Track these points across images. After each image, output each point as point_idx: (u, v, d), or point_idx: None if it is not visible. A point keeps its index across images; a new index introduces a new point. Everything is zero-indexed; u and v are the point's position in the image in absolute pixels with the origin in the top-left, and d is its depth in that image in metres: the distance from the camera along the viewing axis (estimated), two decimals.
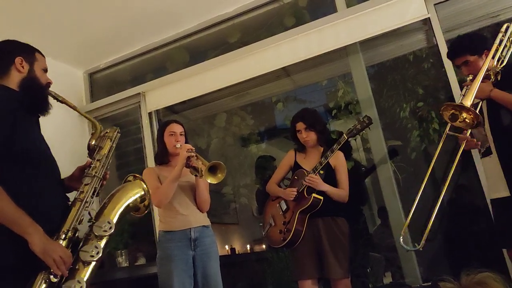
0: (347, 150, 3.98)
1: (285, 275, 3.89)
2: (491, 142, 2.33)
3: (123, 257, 3.85)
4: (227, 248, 5.38)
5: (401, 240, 2.52)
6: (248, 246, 5.70)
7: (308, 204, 2.70)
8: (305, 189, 2.77)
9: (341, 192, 2.79)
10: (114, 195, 1.81)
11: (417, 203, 2.57)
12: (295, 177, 2.89)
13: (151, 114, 4.16)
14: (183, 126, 2.87)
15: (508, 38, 2.38)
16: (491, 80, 2.29)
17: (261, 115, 5.45)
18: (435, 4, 3.20)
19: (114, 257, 3.84)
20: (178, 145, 2.74)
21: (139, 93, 4.17)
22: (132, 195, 1.85)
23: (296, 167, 2.94)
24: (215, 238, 2.79)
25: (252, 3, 3.86)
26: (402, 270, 3.28)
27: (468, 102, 2.09)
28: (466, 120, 2.12)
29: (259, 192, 4.78)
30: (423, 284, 3.07)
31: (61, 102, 1.88)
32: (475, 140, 2.41)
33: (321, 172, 2.76)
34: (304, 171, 2.83)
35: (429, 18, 3.20)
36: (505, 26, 2.39)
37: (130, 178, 1.93)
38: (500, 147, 2.29)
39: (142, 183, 1.89)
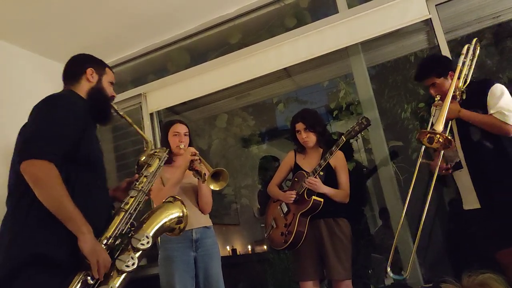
0: (348, 151, 3.98)
1: (286, 276, 3.89)
2: (462, 157, 2.46)
3: None
4: (228, 249, 5.39)
5: (388, 269, 2.58)
6: (249, 247, 5.70)
7: (308, 206, 2.70)
8: (305, 192, 2.76)
9: (342, 193, 2.78)
10: (154, 212, 1.87)
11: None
12: (295, 179, 2.88)
13: (152, 115, 4.16)
14: (187, 126, 2.88)
15: (470, 58, 2.54)
16: (457, 100, 2.43)
17: (262, 116, 5.45)
18: (436, 5, 3.19)
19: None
20: (182, 146, 2.75)
21: (140, 94, 4.17)
22: (171, 214, 1.90)
23: (296, 168, 2.93)
24: (216, 239, 2.79)
25: (253, 4, 3.85)
26: (404, 271, 3.27)
27: (440, 127, 2.24)
28: (440, 140, 2.26)
29: (260, 193, 4.78)
30: (424, 286, 3.06)
31: (121, 116, 2.05)
32: (444, 164, 2.55)
33: (321, 173, 2.75)
34: (304, 172, 2.82)
35: (430, 19, 3.19)
36: (465, 47, 2.57)
37: (170, 199, 1.98)
38: (470, 162, 2.43)
39: (182, 206, 1.93)
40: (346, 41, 3.44)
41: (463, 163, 2.45)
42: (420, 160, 2.60)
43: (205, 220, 2.75)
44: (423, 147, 2.52)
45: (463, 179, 2.47)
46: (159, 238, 2.80)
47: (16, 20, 3.44)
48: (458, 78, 2.45)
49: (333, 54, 3.57)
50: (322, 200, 2.70)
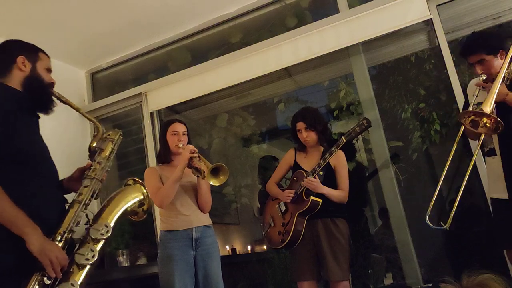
0: (350, 151, 3.98)
1: (286, 276, 3.89)
2: (496, 144, 2.31)
3: (124, 257, 3.85)
4: (228, 248, 5.38)
5: (427, 218, 2.41)
6: (249, 247, 5.70)
7: (307, 206, 2.68)
8: (303, 191, 2.74)
9: (340, 193, 2.76)
10: (113, 198, 1.80)
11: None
12: (294, 178, 2.87)
13: (152, 114, 4.16)
14: (186, 126, 2.87)
15: None
16: (506, 82, 2.23)
17: (263, 116, 5.46)
18: (437, 5, 3.19)
19: (115, 257, 3.84)
20: (181, 145, 2.74)
21: (141, 93, 4.17)
22: (131, 199, 1.84)
23: (295, 166, 2.91)
24: (216, 238, 2.79)
25: (254, 4, 3.86)
26: (403, 271, 3.28)
27: (488, 109, 2.04)
28: (487, 124, 2.08)
29: (261, 193, 4.78)
30: (424, 286, 3.07)
31: (64, 102, 1.87)
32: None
33: (321, 173, 2.73)
34: (303, 172, 2.80)
35: (431, 19, 3.19)
36: None
37: (130, 181, 1.92)
38: (505, 151, 2.28)
39: (142, 187, 1.88)
40: (347, 41, 3.44)
41: (497, 150, 2.32)
42: (455, 146, 2.38)
43: (205, 219, 2.75)
44: (462, 128, 2.30)
45: (494, 167, 2.34)
46: (158, 237, 2.80)
47: (15, 19, 3.44)
48: (511, 60, 2.19)
49: (333, 54, 3.57)
50: (320, 200, 2.69)
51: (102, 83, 4.59)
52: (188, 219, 2.65)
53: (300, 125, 2.84)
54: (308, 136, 2.82)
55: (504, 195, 2.27)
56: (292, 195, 2.77)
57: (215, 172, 2.46)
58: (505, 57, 2.20)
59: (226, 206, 5.43)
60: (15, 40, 1.85)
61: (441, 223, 2.35)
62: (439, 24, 3.18)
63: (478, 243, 3.33)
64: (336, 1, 3.58)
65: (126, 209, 1.80)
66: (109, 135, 1.93)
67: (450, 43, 3.18)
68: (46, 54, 1.87)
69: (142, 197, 1.87)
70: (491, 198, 2.43)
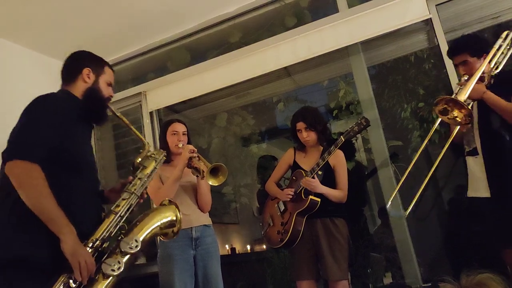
0: (350, 150, 3.97)
1: (285, 275, 3.90)
2: (478, 144, 2.38)
3: None
4: (227, 248, 5.39)
5: (388, 205, 2.48)
6: (248, 246, 5.70)
7: (305, 206, 2.68)
8: (302, 191, 2.75)
9: (339, 193, 2.76)
10: (146, 215, 1.84)
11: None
12: (293, 178, 2.87)
13: (152, 114, 4.16)
14: (186, 126, 2.87)
15: (507, 45, 2.44)
16: (484, 83, 2.33)
17: (262, 115, 5.45)
18: (436, 5, 3.20)
19: None
20: (180, 145, 2.75)
21: (140, 93, 4.17)
22: (164, 218, 1.86)
23: (295, 166, 2.91)
24: (216, 238, 2.79)
25: (253, 3, 3.85)
26: (402, 270, 3.28)
27: (462, 97, 2.14)
28: (457, 118, 2.17)
29: (260, 192, 4.78)
30: (423, 285, 3.07)
31: (118, 117, 1.99)
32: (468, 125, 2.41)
33: (320, 172, 2.72)
34: (302, 171, 2.80)
35: (430, 18, 3.20)
36: (505, 33, 2.44)
37: (165, 202, 1.95)
38: (487, 150, 2.34)
39: (176, 209, 1.90)
40: (346, 40, 3.44)
41: (479, 149, 2.37)
42: (450, 140, 2.45)
43: (205, 219, 2.75)
44: (439, 119, 2.40)
45: (476, 166, 2.40)
46: (158, 237, 2.80)
47: (15, 17, 3.44)
48: (490, 62, 2.34)
49: (333, 53, 3.57)
50: (319, 200, 2.69)
51: None
52: (187, 219, 2.65)
53: (300, 125, 2.84)
54: (308, 136, 2.81)
55: (486, 194, 2.31)
56: (292, 194, 2.77)
57: (214, 172, 2.47)
58: (486, 58, 2.31)
59: (225, 206, 5.43)
60: (84, 52, 1.99)
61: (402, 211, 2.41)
62: (439, 23, 3.18)
63: (477, 243, 3.34)
64: (335, 0, 3.58)
65: (156, 227, 1.82)
66: (153, 154, 2.00)
67: (449, 42, 3.18)
68: (111, 69, 2.01)
69: (174, 218, 1.89)
70: (470, 198, 2.46)
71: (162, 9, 3.68)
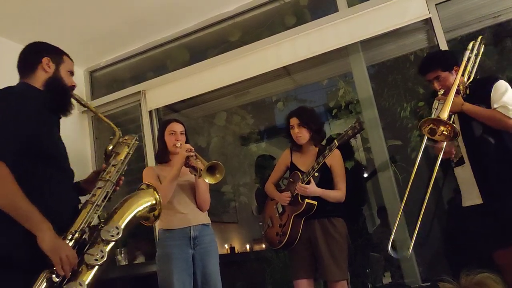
0: (348, 150, 3.97)
1: (284, 275, 3.89)
2: (464, 153, 2.45)
3: (122, 255, 3.85)
4: (226, 247, 5.39)
5: (389, 247, 2.52)
6: (248, 245, 5.70)
7: (302, 209, 2.68)
8: (299, 194, 2.73)
9: (337, 193, 2.75)
10: (125, 201, 1.82)
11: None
12: (291, 180, 2.86)
13: (151, 113, 4.15)
14: (183, 125, 2.87)
15: (475, 55, 2.53)
16: (461, 94, 2.42)
17: (261, 114, 5.45)
18: (436, 4, 3.19)
19: (113, 255, 3.83)
20: (178, 144, 2.74)
21: (140, 92, 4.17)
22: (143, 203, 1.85)
23: (292, 167, 2.90)
24: (215, 237, 2.79)
25: (253, 2, 3.85)
26: (402, 270, 3.28)
27: (445, 115, 2.21)
28: (444, 132, 2.23)
29: (258, 192, 4.78)
30: (422, 285, 3.07)
31: (84, 105, 1.95)
32: (452, 150, 2.51)
33: (316, 174, 2.71)
34: (299, 173, 2.79)
35: (430, 18, 3.19)
36: (471, 44, 2.55)
37: (144, 186, 1.93)
38: (473, 157, 2.42)
39: (155, 192, 1.88)
40: (346, 39, 3.44)
41: (465, 158, 2.44)
42: (419, 156, 2.53)
43: (204, 218, 2.75)
44: (425, 138, 2.47)
45: (465, 175, 2.45)
46: (157, 236, 2.80)
47: (14, 16, 3.44)
48: (462, 74, 2.44)
49: (332, 52, 3.57)
50: (315, 202, 2.67)
51: (101, 81, 4.58)
52: (185, 218, 2.65)
53: (294, 120, 2.83)
54: (299, 132, 2.80)
55: (478, 201, 2.37)
56: (289, 198, 2.77)
57: (211, 170, 2.46)
58: (457, 72, 2.42)
59: (224, 205, 5.43)
60: (41, 42, 1.92)
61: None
62: (438, 23, 3.18)
63: (476, 243, 3.33)
64: None
65: (137, 213, 1.81)
66: (125, 139, 1.97)
67: (449, 42, 3.18)
68: (70, 58, 1.93)
69: (154, 202, 1.87)
70: (465, 207, 2.49)
71: (161, 8, 3.67)
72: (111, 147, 1.93)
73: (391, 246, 2.51)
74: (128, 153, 1.93)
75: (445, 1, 3.19)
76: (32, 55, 1.85)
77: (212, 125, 4.96)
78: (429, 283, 2.99)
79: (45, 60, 1.82)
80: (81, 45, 4.08)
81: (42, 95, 1.78)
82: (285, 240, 2.73)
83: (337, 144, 2.66)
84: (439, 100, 2.48)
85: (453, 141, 2.43)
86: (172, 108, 4.34)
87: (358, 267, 3.73)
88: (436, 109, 2.49)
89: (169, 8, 3.71)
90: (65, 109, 1.85)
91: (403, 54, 3.95)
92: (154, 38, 4.19)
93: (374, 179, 3.94)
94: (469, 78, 2.50)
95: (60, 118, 1.87)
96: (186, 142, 2.82)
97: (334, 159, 2.79)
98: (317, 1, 3.87)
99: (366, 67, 3.58)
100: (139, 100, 4.19)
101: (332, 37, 3.47)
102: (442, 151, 2.46)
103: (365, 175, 4.47)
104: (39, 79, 1.81)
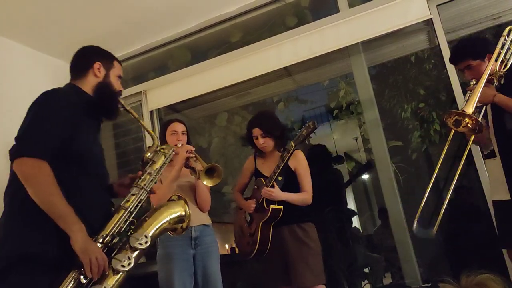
0: (326, 155, 3.88)
1: None
2: (495, 146, 2.33)
3: None
4: (227, 247, 5.39)
5: (414, 226, 2.41)
6: None
7: (268, 215, 2.59)
8: (264, 200, 2.64)
9: (302, 195, 2.67)
10: (155, 210, 1.83)
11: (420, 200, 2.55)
12: (255, 186, 2.78)
13: (152, 113, 4.16)
14: (185, 125, 2.87)
15: (510, 41, 2.34)
16: (494, 84, 2.28)
17: None
18: (437, 5, 3.20)
19: None
20: (179, 144, 2.74)
21: (141, 92, 4.17)
22: (173, 213, 1.86)
23: (256, 173, 2.83)
24: (215, 237, 2.78)
25: (254, 3, 3.85)
26: (402, 271, 3.28)
27: (470, 109, 2.10)
28: (469, 125, 2.13)
29: None
30: (422, 285, 3.07)
31: (128, 111, 1.96)
32: (485, 136, 2.37)
33: (280, 178, 2.64)
34: (263, 180, 2.71)
35: (431, 19, 3.19)
36: (507, 29, 2.36)
37: (174, 197, 1.94)
38: (504, 151, 2.29)
39: (185, 205, 1.90)
40: (347, 40, 3.44)
41: (496, 152, 2.32)
42: (446, 147, 2.41)
43: (204, 218, 2.75)
44: (453, 131, 2.33)
45: (495, 169, 2.36)
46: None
47: (16, 16, 3.44)
48: (496, 61, 2.27)
49: (333, 53, 3.57)
50: (281, 207, 2.59)
51: None
52: None
53: (256, 131, 2.74)
54: (264, 142, 2.72)
55: (506, 196, 2.27)
56: (254, 205, 2.70)
57: (209, 172, 2.45)
58: (489, 61, 2.24)
59: (225, 205, 5.43)
60: (94, 46, 1.96)
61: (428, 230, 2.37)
62: (439, 24, 3.18)
63: (477, 243, 3.34)
64: (336, 0, 3.57)
65: (165, 223, 1.82)
66: (163, 148, 1.98)
67: (450, 43, 3.18)
68: (119, 62, 1.97)
69: (183, 213, 1.88)
70: (493, 201, 2.43)
71: (163, 8, 3.68)
72: (148, 154, 1.94)
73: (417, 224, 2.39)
74: (164, 163, 1.94)
75: (446, 2, 3.19)
76: (84, 59, 1.90)
77: (213, 126, 4.96)
78: (430, 284, 2.99)
79: (96, 65, 1.86)
80: (82, 46, 4.09)
81: (89, 99, 1.82)
82: (255, 249, 2.63)
83: (293, 145, 2.59)
84: (469, 91, 2.29)
85: (485, 133, 2.30)
86: (173, 108, 4.34)
87: (358, 267, 3.73)
88: (467, 100, 2.27)
89: (170, 8, 3.71)
90: (112, 114, 1.90)
91: (404, 55, 3.96)
92: (155, 38, 4.20)
93: (375, 180, 3.94)
94: (505, 66, 2.31)
95: (102, 122, 1.91)
96: (188, 142, 2.82)
97: (298, 162, 2.71)
98: (318, 2, 3.87)
99: (367, 68, 3.58)
100: (140, 100, 4.19)
101: (333, 38, 3.47)
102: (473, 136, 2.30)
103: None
104: (89, 83, 1.85)
